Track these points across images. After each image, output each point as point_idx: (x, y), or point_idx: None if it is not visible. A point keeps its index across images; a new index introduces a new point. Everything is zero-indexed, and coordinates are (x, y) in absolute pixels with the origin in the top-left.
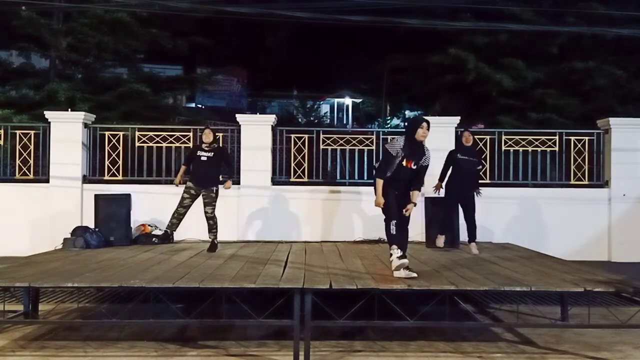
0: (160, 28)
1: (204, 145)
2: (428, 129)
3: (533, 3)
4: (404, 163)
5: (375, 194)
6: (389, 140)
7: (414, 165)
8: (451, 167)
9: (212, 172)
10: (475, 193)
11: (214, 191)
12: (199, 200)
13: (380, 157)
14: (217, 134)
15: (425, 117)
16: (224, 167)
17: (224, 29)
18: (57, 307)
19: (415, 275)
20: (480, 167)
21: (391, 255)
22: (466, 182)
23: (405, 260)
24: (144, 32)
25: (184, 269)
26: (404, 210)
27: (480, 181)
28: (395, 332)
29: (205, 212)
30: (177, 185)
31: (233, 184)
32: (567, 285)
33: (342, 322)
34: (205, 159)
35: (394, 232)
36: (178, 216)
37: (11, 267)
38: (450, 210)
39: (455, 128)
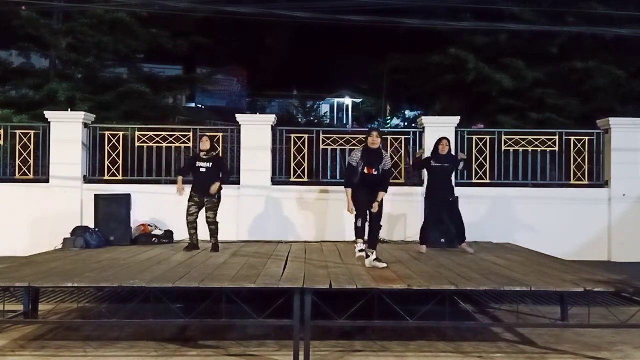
0: (160, 28)
1: (202, 154)
2: (378, 137)
3: (533, 3)
4: (366, 171)
5: (347, 202)
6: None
7: (376, 171)
8: (427, 173)
9: (212, 182)
10: (455, 197)
11: (216, 197)
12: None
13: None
14: (215, 142)
15: (375, 127)
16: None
17: (224, 29)
18: (57, 307)
19: (385, 265)
20: (462, 165)
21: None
22: (444, 188)
23: (362, 254)
24: (144, 32)
25: (184, 269)
26: (372, 208)
27: (480, 181)
28: (395, 332)
29: (207, 218)
30: (181, 194)
31: (233, 183)
32: (567, 285)
33: (342, 322)
34: (204, 170)
35: (359, 225)
36: (191, 225)
37: (11, 267)
38: (433, 216)
39: (456, 128)
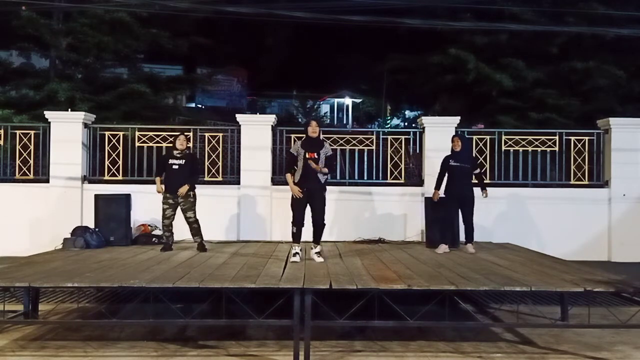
0: (160, 28)
1: (175, 153)
2: (317, 126)
3: (533, 3)
4: (307, 155)
5: (290, 187)
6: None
7: (317, 155)
8: (447, 173)
9: (186, 178)
10: (472, 196)
11: (191, 195)
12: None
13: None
14: (189, 142)
15: (314, 117)
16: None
17: (224, 29)
18: (57, 307)
19: (322, 260)
20: (478, 170)
21: (293, 249)
22: (462, 186)
23: (297, 258)
24: (144, 32)
25: (184, 269)
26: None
27: (476, 181)
28: (395, 332)
29: (187, 219)
30: (162, 192)
31: (232, 183)
32: (567, 285)
33: (342, 322)
34: (177, 167)
35: (295, 232)
36: (167, 228)
37: (11, 267)
38: (449, 215)
39: (455, 128)
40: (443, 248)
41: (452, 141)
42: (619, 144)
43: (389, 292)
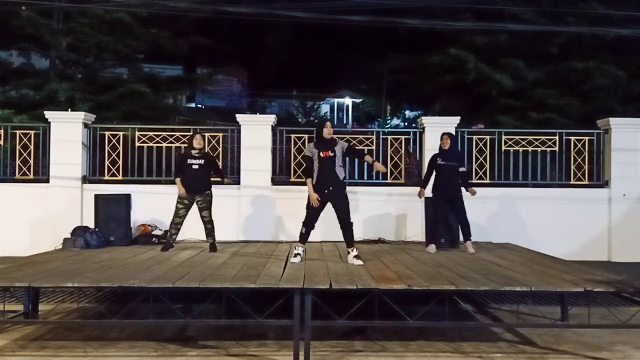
0: (160, 28)
1: (194, 152)
2: (331, 127)
3: (533, 3)
4: (322, 154)
5: (309, 193)
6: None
7: (332, 153)
8: (435, 171)
9: (205, 178)
10: (460, 195)
11: (209, 195)
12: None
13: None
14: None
15: (328, 118)
16: (214, 173)
17: (224, 29)
18: (57, 307)
19: (361, 263)
20: (464, 168)
21: (296, 249)
22: (450, 185)
23: (297, 259)
24: (144, 32)
25: (184, 269)
26: (374, 164)
27: (480, 181)
28: (395, 332)
29: (203, 217)
30: (186, 194)
31: (233, 183)
32: (567, 285)
33: (342, 322)
34: (197, 167)
35: (304, 232)
36: (175, 226)
37: (11, 267)
38: (439, 214)
39: (455, 128)
40: (432, 248)
41: (441, 139)
42: (619, 144)
43: (389, 292)
